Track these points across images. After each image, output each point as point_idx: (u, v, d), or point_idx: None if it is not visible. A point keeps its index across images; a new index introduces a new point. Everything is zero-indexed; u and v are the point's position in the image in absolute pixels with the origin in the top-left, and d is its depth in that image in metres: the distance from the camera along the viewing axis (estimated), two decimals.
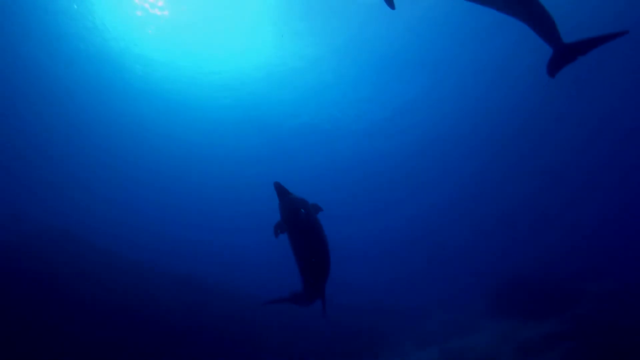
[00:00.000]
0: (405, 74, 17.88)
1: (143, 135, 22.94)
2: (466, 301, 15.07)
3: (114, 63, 16.18)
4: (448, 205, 29.27)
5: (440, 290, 19.32)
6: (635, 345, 7.37)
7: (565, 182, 25.75)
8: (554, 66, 4.23)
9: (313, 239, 5.11)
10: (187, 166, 26.53)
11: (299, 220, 5.01)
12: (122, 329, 9.54)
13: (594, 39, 3.92)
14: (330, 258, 5.40)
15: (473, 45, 16.28)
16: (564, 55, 4.12)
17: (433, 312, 15.67)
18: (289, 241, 5.35)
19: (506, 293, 12.32)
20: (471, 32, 15.36)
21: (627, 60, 16.81)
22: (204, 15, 13.76)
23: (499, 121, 21.77)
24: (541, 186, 26.14)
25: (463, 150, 24.40)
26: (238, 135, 22.46)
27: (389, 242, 30.75)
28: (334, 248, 5.47)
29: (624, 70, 17.62)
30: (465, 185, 27.59)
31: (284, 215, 5.13)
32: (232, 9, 13.55)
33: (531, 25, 4.17)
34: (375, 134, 22.42)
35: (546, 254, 20.05)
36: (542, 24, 4.11)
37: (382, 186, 28.04)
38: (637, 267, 13.59)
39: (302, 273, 5.40)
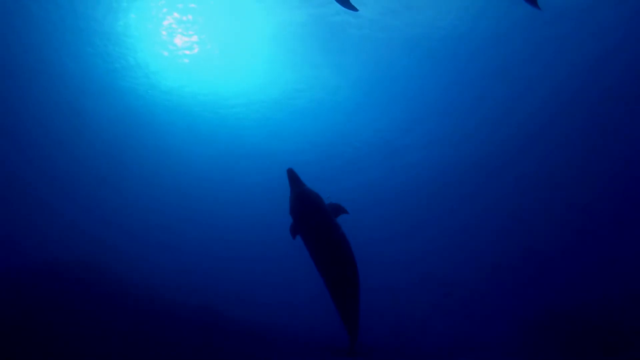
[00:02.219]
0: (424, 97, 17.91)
1: (170, 164, 23.91)
2: (495, 338, 13.71)
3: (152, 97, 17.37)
4: (470, 223, 27.63)
5: (462, 325, 17.72)
6: None
7: (621, 194, 23.25)
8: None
9: (330, 239, 4.23)
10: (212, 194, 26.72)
11: (310, 216, 4.14)
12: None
13: None
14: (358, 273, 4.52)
15: (488, 63, 16.18)
16: None
17: (456, 350, 14.33)
18: (306, 248, 4.45)
19: (545, 330, 11.02)
20: (486, 47, 15.26)
21: None
22: (227, 53, 14.77)
23: (523, 142, 21.06)
24: (591, 199, 23.76)
25: (488, 169, 23.48)
26: (263, 164, 22.77)
27: (404, 271, 29.25)
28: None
29: None
30: (493, 199, 26.08)
31: (293, 209, 4.28)
32: (251, 44, 14.49)
33: None
34: (396, 159, 22.12)
35: (597, 282, 17.18)
36: None
37: (402, 211, 27.24)
38: None
39: (329, 291, 4.48)
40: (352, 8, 4.83)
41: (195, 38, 13.89)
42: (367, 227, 27.16)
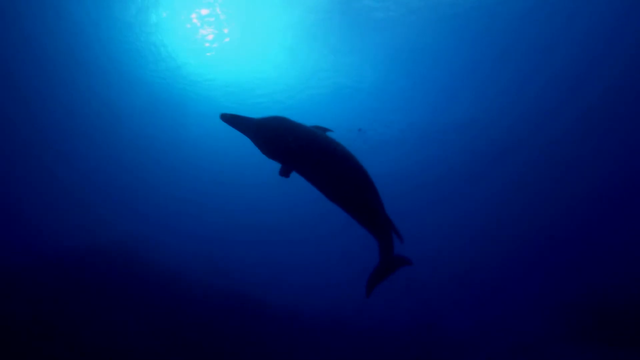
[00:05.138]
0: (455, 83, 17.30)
1: (195, 154, 24.00)
2: (535, 323, 13.28)
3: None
4: (511, 200, 26.54)
5: (497, 308, 17.19)
6: None
7: None
8: None
9: (328, 160, 3.33)
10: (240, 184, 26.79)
11: (295, 151, 3.18)
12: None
13: None
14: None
15: (519, 39, 15.42)
16: None
17: (492, 334, 13.96)
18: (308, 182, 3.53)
19: (592, 316, 10.33)
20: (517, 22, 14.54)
21: None
22: (250, 41, 14.53)
23: (564, 124, 19.95)
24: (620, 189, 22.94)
25: (511, 158, 22.62)
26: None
27: (437, 254, 28.70)
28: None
29: None
30: (515, 189, 25.36)
31: (268, 153, 3.32)
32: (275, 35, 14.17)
33: None
34: (424, 145, 21.61)
35: (617, 273, 16.65)
36: None
37: (434, 195, 26.70)
38: None
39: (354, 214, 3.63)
40: None
41: (218, 30, 13.81)
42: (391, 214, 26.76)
